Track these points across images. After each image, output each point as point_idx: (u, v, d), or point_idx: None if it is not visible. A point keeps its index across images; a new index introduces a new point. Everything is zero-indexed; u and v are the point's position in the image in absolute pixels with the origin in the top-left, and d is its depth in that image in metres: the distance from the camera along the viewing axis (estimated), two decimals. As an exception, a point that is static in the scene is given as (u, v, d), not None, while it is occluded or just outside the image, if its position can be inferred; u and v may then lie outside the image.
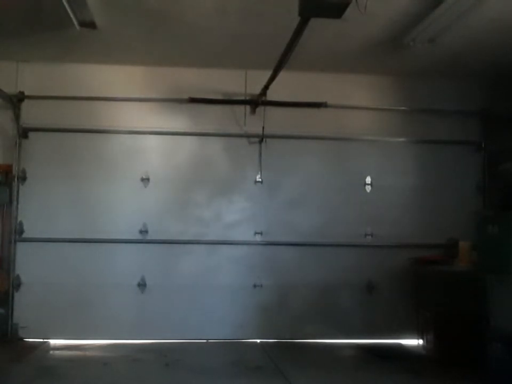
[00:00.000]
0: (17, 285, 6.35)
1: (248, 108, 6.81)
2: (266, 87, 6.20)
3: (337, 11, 3.83)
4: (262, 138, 6.70)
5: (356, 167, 6.89)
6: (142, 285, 6.49)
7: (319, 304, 6.60)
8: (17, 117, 6.48)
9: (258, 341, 6.54)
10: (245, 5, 4.96)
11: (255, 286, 6.61)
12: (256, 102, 6.66)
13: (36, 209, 6.44)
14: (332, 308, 6.60)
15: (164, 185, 6.64)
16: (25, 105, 6.52)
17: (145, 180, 6.61)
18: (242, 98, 6.78)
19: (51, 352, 6.00)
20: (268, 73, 5.80)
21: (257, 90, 6.43)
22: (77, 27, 5.23)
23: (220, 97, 6.76)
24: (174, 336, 6.42)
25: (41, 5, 4.85)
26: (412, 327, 6.42)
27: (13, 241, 6.38)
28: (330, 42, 5.80)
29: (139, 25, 5.46)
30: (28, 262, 6.37)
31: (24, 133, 6.49)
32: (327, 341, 6.57)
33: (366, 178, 6.87)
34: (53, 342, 6.24)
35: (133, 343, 6.30)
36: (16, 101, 6.46)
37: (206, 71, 6.69)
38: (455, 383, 4.99)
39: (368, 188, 6.88)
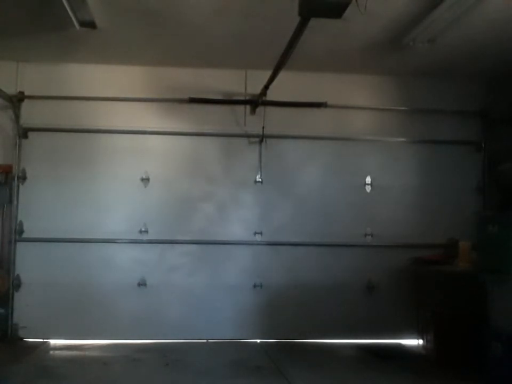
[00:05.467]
0: (17, 285, 6.35)
1: (248, 107, 6.81)
2: (266, 87, 6.20)
3: (337, 11, 3.83)
4: (262, 138, 6.70)
5: (356, 167, 6.89)
6: (142, 285, 6.49)
7: (319, 304, 6.60)
8: (17, 117, 6.48)
9: (258, 341, 6.54)
10: (245, 5, 4.96)
11: (255, 286, 6.61)
12: (256, 102, 6.66)
13: (36, 209, 6.44)
14: (331, 308, 6.59)
15: (164, 185, 6.64)
16: (25, 105, 6.52)
17: (145, 180, 6.60)
18: (242, 98, 6.78)
19: (51, 352, 6.00)
20: (267, 73, 5.80)
21: (257, 90, 6.43)
22: (77, 27, 5.22)
23: (220, 97, 6.75)
24: (174, 336, 6.42)
25: (41, 5, 4.84)
26: (412, 327, 6.43)
27: (13, 241, 6.38)
28: (330, 42, 5.79)
29: (139, 25, 5.46)
30: (28, 262, 6.37)
31: (24, 133, 6.49)
32: (327, 341, 6.57)
33: (366, 178, 6.87)
34: (53, 342, 6.24)
35: (133, 343, 6.30)
36: (16, 101, 6.45)
37: (206, 71, 6.69)
38: (455, 383, 5.00)
39: (368, 188, 6.87)
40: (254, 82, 6.51)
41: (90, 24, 5.28)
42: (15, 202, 6.42)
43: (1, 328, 6.20)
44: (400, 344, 6.57)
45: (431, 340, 5.93)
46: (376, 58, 6.31)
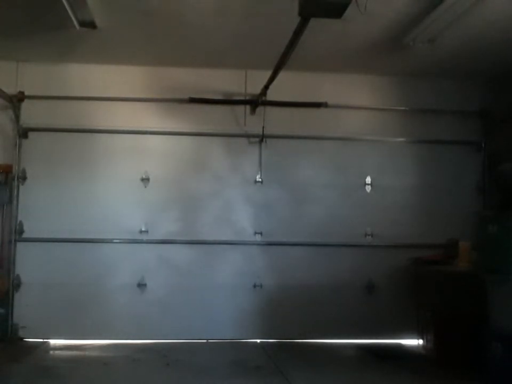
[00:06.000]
0: (17, 285, 6.35)
1: (248, 107, 6.81)
2: (266, 87, 6.20)
3: (337, 11, 3.83)
4: (262, 138, 6.70)
5: (356, 167, 6.89)
6: (142, 285, 6.49)
7: (319, 304, 6.60)
8: (17, 117, 6.48)
9: (258, 341, 6.54)
10: (245, 5, 4.96)
11: (255, 286, 6.61)
12: (256, 102, 6.66)
13: (36, 209, 6.44)
14: (331, 308, 6.59)
15: (164, 185, 6.64)
16: (25, 105, 6.52)
17: (145, 180, 6.61)
18: (242, 98, 6.78)
19: (51, 352, 6.00)
20: (268, 73, 5.80)
21: (257, 90, 6.43)
22: (77, 27, 5.23)
23: (220, 97, 6.76)
24: (174, 336, 6.42)
25: (41, 5, 4.84)
26: (412, 327, 6.42)
27: (13, 241, 6.39)
28: (330, 42, 5.79)
29: (139, 25, 5.46)
30: (28, 262, 6.37)
31: (24, 133, 6.49)
32: (327, 341, 6.57)
33: (366, 178, 6.87)
34: (53, 342, 6.25)
35: (133, 343, 6.30)
36: (16, 101, 6.45)
37: (206, 71, 6.69)
38: (455, 383, 4.99)
39: (368, 188, 6.88)
40: (254, 82, 6.51)
41: (90, 24, 5.28)
42: (15, 202, 6.42)
43: (1, 328, 6.20)
44: (400, 344, 6.57)
45: (431, 340, 5.92)
46: (376, 58, 6.31)
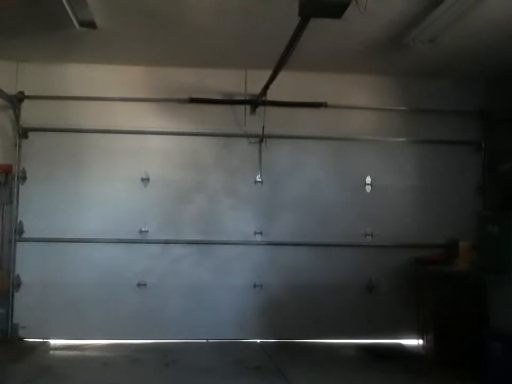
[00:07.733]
0: (17, 285, 6.35)
1: (248, 107, 6.81)
2: (266, 87, 6.20)
3: (337, 11, 3.83)
4: (262, 138, 6.70)
5: (356, 167, 6.89)
6: (142, 285, 6.49)
7: (319, 304, 6.60)
8: (17, 117, 6.49)
9: (258, 341, 6.54)
10: (245, 5, 4.96)
11: (255, 286, 6.61)
12: (256, 102, 6.66)
13: (36, 209, 6.44)
14: (331, 308, 6.60)
15: (164, 185, 6.64)
16: (25, 105, 6.53)
17: (145, 180, 6.61)
18: (242, 98, 6.78)
19: (51, 352, 6.00)
20: (267, 73, 5.80)
21: (257, 90, 6.43)
22: (77, 27, 5.24)
23: (220, 97, 6.76)
24: (174, 336, 6.42)
25: (41, 5, 4.84)
26: (412, 327, 6.43)
27: (13, 241, 6.39)
28: (330, 42, 5.79)
29: (139, 25, 5.46)
30: (28, 262, 6.37)
31: (24, 133, 6.49)
32: (327, 341, 6.57)
33: (366, 178, 6.87)
34: (53, 342, 6.25)
35: (133, 343, 6.30)
36: (16, 101, 6.46)
37: (206, 71, 6.69)
38: (455, 383, 5.00)
39: (368, 188, 6.88)
40: (254, 82, 6.51)
41: (90, 24, 5.29)
42: (15, 202, 6.42)
43: (1, 328, 6.21)
44: (400, 344, 6.57)
45: (431, 340, 5.93)
46: (376, 58, 6.31)
